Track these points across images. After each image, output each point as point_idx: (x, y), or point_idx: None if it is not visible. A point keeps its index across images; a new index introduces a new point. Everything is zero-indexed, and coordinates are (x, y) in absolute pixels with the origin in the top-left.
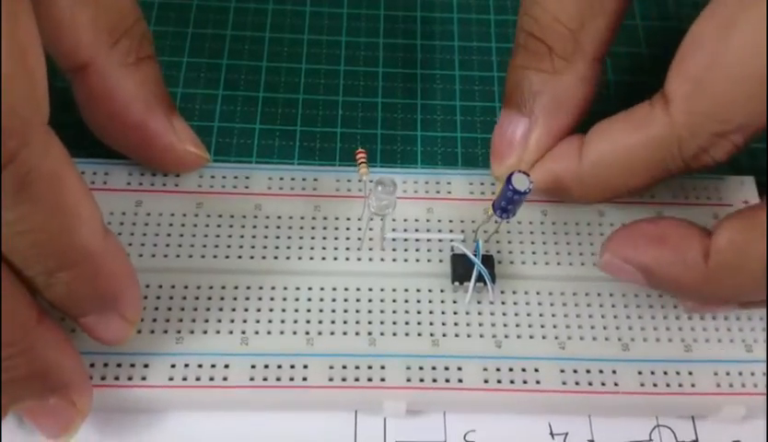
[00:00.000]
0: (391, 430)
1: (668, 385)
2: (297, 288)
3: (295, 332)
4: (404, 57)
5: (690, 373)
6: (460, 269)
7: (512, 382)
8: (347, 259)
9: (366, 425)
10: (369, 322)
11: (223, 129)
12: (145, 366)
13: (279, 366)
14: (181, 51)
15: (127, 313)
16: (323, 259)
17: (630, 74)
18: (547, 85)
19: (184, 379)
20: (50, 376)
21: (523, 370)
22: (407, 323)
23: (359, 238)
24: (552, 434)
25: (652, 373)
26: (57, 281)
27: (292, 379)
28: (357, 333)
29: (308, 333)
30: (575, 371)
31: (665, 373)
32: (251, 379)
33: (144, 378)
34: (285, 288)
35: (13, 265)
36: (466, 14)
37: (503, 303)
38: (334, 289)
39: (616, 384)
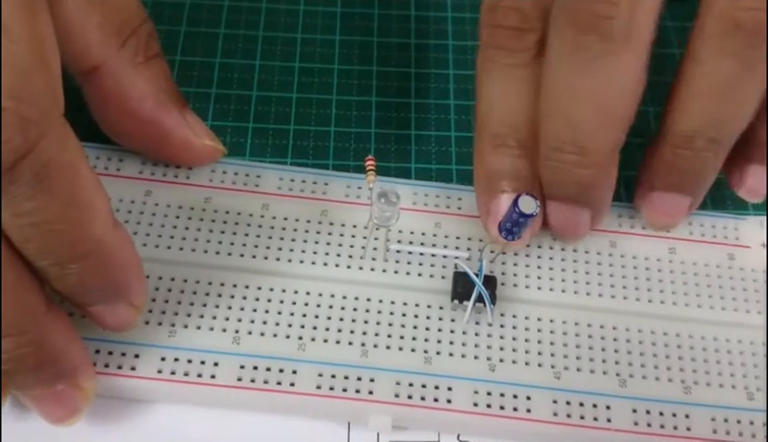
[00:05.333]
0: (385, 436)
1: (662, 426)
2: (295, 292)
3: (287, 336)
4: (398, 56)
5: (687, 416)
6: (461, 287)
7: (502, 408)
8: (349, 267)
9: (359, 431)
10: (364, 333)
11: (216, 128)
12: (136, 356)
13: (268, 369)
14: (174, 49)
15: (135, 300)
16: (325, 264)
17: None
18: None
19: (173, 373)
20: (59, 362)
21: (515, 397)
22: (402, 337)
23: (363, 247)
24: None
25: (647, 412)
26: (69, 272)
27: (279, 383)
28: (350, 343)
29: (300, 338)
30: (567, 403)
31: (661, 413)
32: (239, 380)
33: (133, 369)
34: (283, 291)
35: (24, 255)
36: (460, 13)
37: (501, 326)
38: (332, 296)
39: (609, 420)
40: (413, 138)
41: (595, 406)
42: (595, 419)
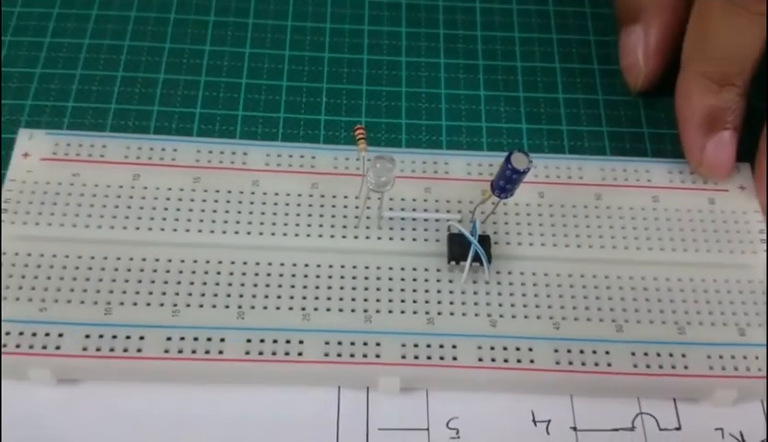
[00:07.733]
0: (374, 418)
1: (660, 366)
2: (294, 264)
3: (291, 308)
4: (389, 44)
5: (683, 355)
6: (457, 248)
7: (506, 361)
8: (344, 236)
9: (349, 414)
10: (365, 300)
11: (205, 115)
12: (141, 338)
13: (275, 341)
14: (164, 36)
15: None
16: (320, 236)
17: None
18: None
19: (180, 352)
20: None
21: (517, 349)
22: (403, 301)
23: (356, 216)
24: (534, 421)
25: (645, 354)
26: None
27: (287, 354)
28: (353, 310)
29: (303, 309)
30: (568, 351)
31: (658, 354)
32: (247, 353)
33: (139, 350)
34: (282, 264)
35: None
36: (451, 1)
37: (498, 283)
38: (331, 266)
39: (609, 365)
40: (404, 127)
41: (595, 352)
42: (596, 364)
